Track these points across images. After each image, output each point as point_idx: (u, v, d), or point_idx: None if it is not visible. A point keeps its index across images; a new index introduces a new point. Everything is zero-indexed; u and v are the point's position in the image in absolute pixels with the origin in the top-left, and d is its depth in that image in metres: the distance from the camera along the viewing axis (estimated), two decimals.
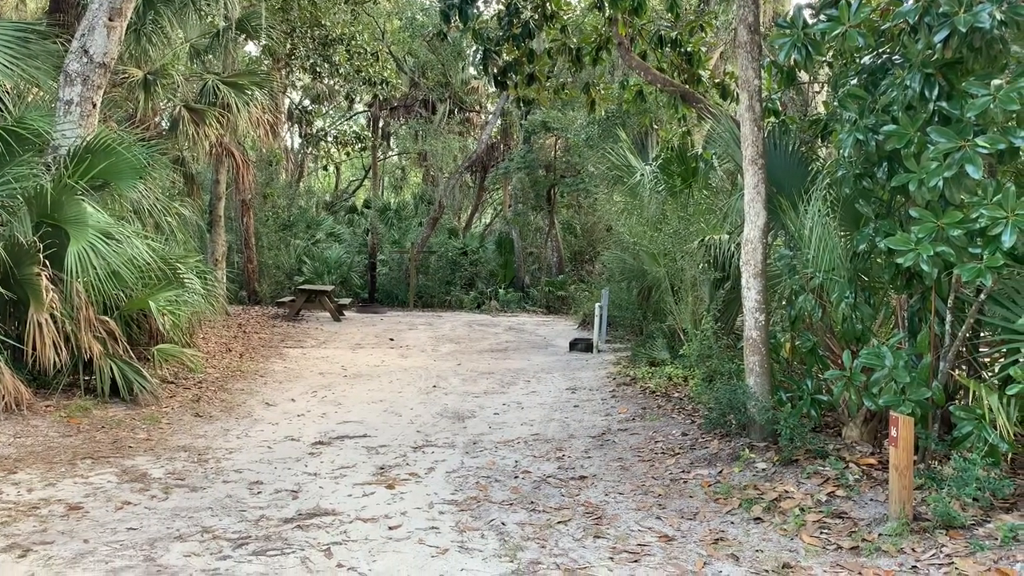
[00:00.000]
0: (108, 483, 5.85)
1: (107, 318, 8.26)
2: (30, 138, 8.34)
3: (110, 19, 9.18)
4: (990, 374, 5.82)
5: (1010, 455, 5.24)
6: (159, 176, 10.38)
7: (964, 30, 4.88)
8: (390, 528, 5.08)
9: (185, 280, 9.40)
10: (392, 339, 14.59)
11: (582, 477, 6.30)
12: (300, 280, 20.05)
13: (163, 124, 13.51)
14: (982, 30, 4.88)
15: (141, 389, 8.25)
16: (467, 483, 6.12)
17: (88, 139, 8.75)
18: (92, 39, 9.12)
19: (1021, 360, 4.82)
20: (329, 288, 17.35)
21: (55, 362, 7.67)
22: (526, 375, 11.18)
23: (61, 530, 4.86)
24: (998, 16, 4.82)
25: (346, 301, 18.32)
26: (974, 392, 5.31)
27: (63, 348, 7.72)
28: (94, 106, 9.23)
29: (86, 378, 8.17)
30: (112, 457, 6.53)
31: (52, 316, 7.66)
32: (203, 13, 13.93)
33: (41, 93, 9.61)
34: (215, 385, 9.50)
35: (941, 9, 5.01)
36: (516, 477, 6.29)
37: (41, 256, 7.76)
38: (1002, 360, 5.53)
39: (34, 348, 7.55)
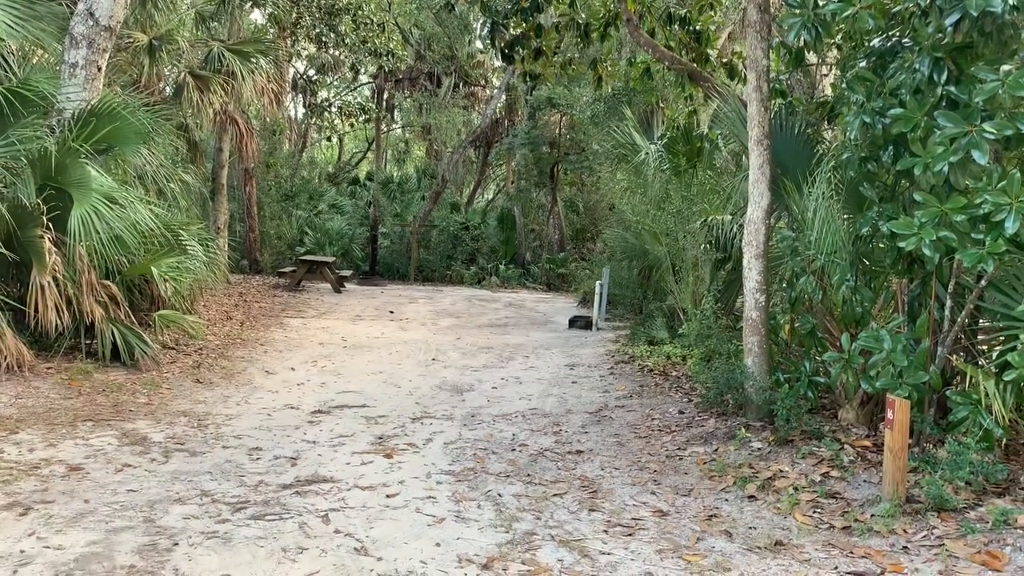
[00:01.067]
0: (108, 445, 5.90)
1: (109, 283, 8.29)
2: (35, 100, 8.32)
3: None
4: (987, 360, 5.84)
5: (1004, 440, 5.28)
6: (163, 142, 10.36)
7: (976, 14, 4.85)
8: (387, 496, 5.12)
9: (187, 247, 9.42)
10: (392, 312, 14.62)
11: (579, 452, 6.34)
12: (301, 251, 20.06)
13: (168, 90, 13.46)
14: (993, 14, 4.85)
15: (142, 354, 8.29)
16: (464, 454, 6.17)
17: (93, 103, 8.74)
18: (98, 2, 9.07)
19: (1019, 346, 4.84)
20: (330, 259, 17.37)
21: (57, 325, 7.71)
22: (525, 350, 11.22)
23: (62, 490, 4.91)
24: (1011, 1, 4.78)
25: (347, 273, 18.34)
26: (971, 377, 5.33)
27: (65, 311, 7.75)
28: (99, 70, 9.19)
29: (87, 342, 8.21)
30: (113, 420, 6.57)
31: (54, 279, 7.68)
32: None
33: (46, 55, 9.57)
34: (216, 352, 9.55)
35: None
36: (513, 450, 6.34)
37: (44, 219, 7.77)
38: (1000, 346, 5.55)
39: (36, 310, 7.59)
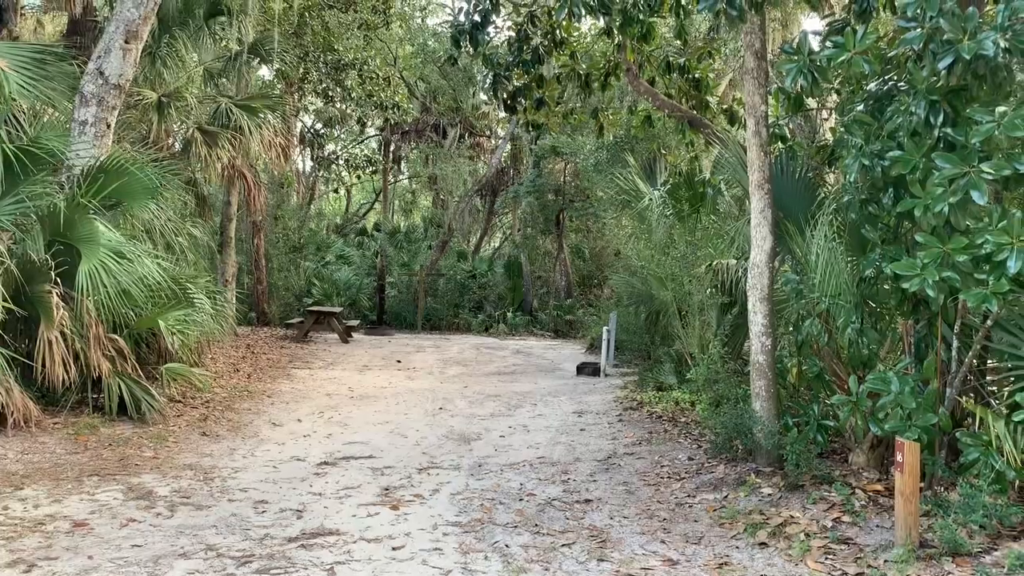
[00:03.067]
0: (114, 500, 5.87)
1: (116, 336, 8.32)
2: (45, 158, 8.45)
3: (126, 42, 9.33)
4: (997, 401, 5.79)
5: (1017, 483, 5.20)
6: (171, 197, 10.48)
7: (968, 57, 4.91)
8: (394, 549, 5.07)
9: (195, 300, 9.46)
10: (399, 361, 14.61)
11: (587, 500, 6.28)
12: (309, 302, 20.11)
13: (176, 145, 13.65)
14: (986, 58, 4.91)
15: (149, 408, 8.29)
16: (472, 505, 6.11)
17: (102, 159, 8.87)
18: (108, 61, 9.27)
19: None
20: (337, 310, 17.42)
21: (64, 379, 7.72)
22: (533, 398, 11.17)
23: (66, 546, 4.88)
24: (1002, 44, 4.85)
25: (354, 323, 18.37)
26: (981, 419, 5.29)
27: (72, 366, 7.78)
28: (108, 127, 9.35)
29: (94, 396, 8.22)
30: (118, 474, 6.55)
31: (62, 333, 7.72)
32: (218, 37, 14.14)
33: (57, 113, 9.75)
34: (222, 405, 9.53)
35: (945, 37, 5.04)
36: (521, 500, 6.28)
37: (53, 274, 7.84)
38: (1009, 387, 5.51)
39: (43, 365, 7.61)
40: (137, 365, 8.50)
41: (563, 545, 5.19)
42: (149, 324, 8.82)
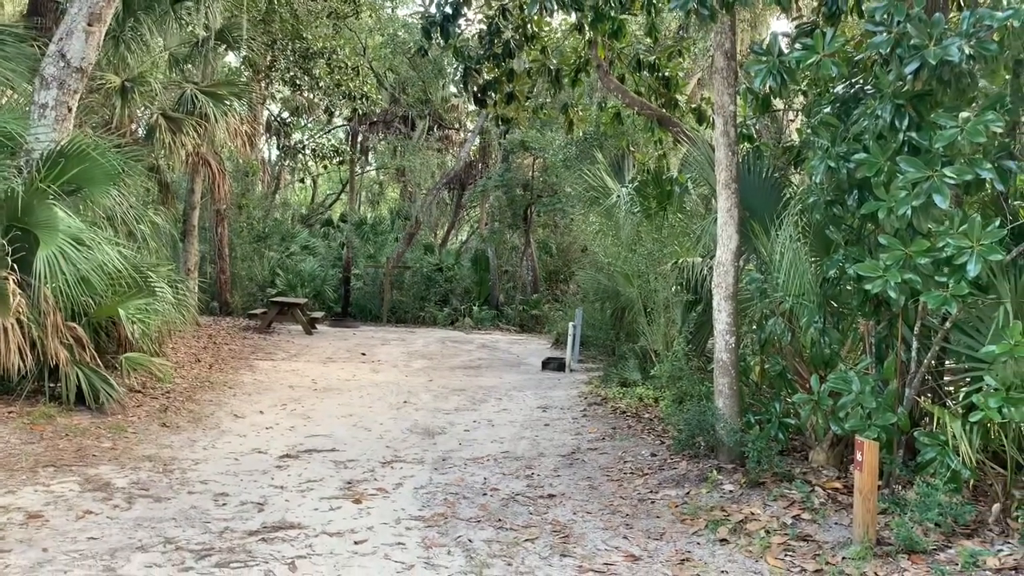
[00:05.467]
0: (70, 492, 5.76)
1: (75, 324, 8.15)
2: (2, 141, 8.25)
3: (89, 24, 9.13)
4: (954, 401, 5.91)
5: (972, 481, 5.31)
6: (133, 183, 10.29)
7: (934, 63, 4.99)
8: (356, 543, 5.04)
9: (156, 289, 9.30)
10: (364, 353, 14.52)
11: (551, 495, 6.29)
12: (273, 292, 19.91)
13: (140, 131, 13.41)
14: (951, 63, 5.00)
15: (108, 398, 8.13)
16: (435, 499, 6.09)
17: (62, 143, 8.67)
18: (70, 43, 9.06)
19: (984, 388, 4.90)
20: (302, 301, 17.24)
21: (20, 368, 7.55)
22: (498, 393, 11.17)
23: (19, 538, 4.78)
24: (967, 50, 4.93)
25: (319, 314, 18.21)
26: (938, 419, 5.38)
27: (28, 354, 7.60)
28: (70, 111, 9.15)
29: (51, 385, 8.06)
30: (75, 465, 6.43)
31: (18, 321, 7.54)
32: (184, 22, 13.90)
33: (16, 96, 9.52)
34: (183, 395, 9.40)
35: (912, 42, 5.12)
36: (484, 494, 6.28)
37: (9, 260, 7.66)
38: (966, 388, 5.62)
39: None
40: (96, 354, 8.33)
41: (526, 540, 5.20)
42: (109, 312, 8.66)
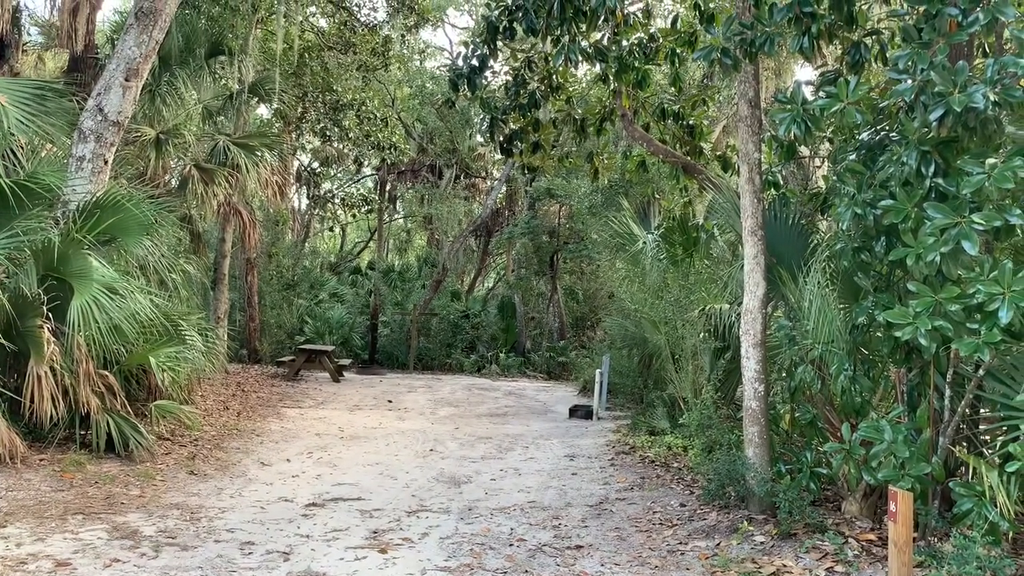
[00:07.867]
0: (98, 539, 5.78)
1: (107, 372, 8.26)
2: (41, 192, 8.47)
3: (126, 79, 9.42)
4: (990, 450, 5.78)
5: (1011, 534, 5.17)
6: (166, 233, 10.49)
7: (959, 110, 4.99)
8: None
9: (186, 337, 9.41)
10: (391, 401, 14.52)
11: (578, 546, 6.21)
12: (301, 340, 20.03)
13: (173, 182, 13.70)
14: (976, 110, 4.99)
15: (137, 445, 8.20)
16: (461, 549, 6.03)
17: (98, 195, 8.89)
18: (107, 98, 9.34)
19: (1021, 437, 4.79)
20: (329, 348, 17.34)
21: (52, 415, 7.64)
22: (524, 441, 11.10)
23: None
24: (992, 97, 4.93)
25: (346, 362, 18.29)
26: (974, 468, 5.27)
27: (61, 401, 7.70)
28: (106, 163, 9.40)
29: (82, 432, 8.14)
30: (104, 513, 6.46)
31: (52, 369, 7.66)
32: (218, 76, 14.30)
33: (55, 149, 9.79)
34: (211, 443, 9.44)
35: (936, 89, 5.12)
36: (511, 545, 6.21)
37: (44, 308, 7.80)
38: (1002, 437, 5.50)
39: (32, 400, 7.53)
40: (126, 402, 8.43)
41: None
42: (140, 360, 8.77)
